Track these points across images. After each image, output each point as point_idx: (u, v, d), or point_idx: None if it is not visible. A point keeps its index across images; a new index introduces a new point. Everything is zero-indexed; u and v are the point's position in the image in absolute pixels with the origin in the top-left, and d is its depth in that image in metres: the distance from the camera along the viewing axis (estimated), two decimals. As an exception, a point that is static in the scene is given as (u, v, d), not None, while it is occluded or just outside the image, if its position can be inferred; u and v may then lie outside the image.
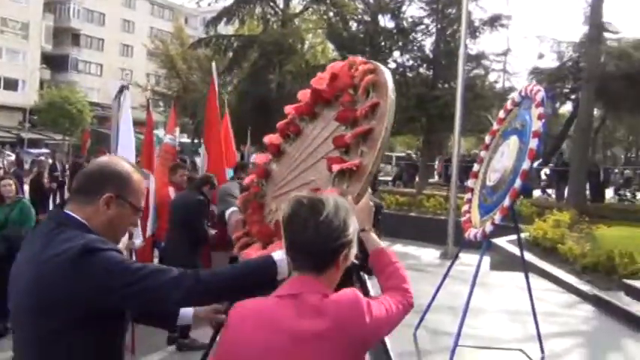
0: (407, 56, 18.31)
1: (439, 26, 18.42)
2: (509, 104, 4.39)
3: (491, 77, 22.05)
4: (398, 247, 10.73)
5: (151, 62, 40.56)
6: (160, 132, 12.26)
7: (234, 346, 1.63)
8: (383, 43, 17.71)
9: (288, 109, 2.69)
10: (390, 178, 24.66)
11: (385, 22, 18.36)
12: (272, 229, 2.33)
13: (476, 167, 4.71)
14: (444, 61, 18.10)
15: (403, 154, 27.91)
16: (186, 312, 2.16)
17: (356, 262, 1.80)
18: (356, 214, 1.76)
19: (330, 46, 24.78)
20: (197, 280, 1.74)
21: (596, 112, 21.36)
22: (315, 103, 2.57)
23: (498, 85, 22.24)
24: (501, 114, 4.49)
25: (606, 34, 17.68)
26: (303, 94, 2.64)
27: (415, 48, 18.39)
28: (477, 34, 18.64)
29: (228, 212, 2.75)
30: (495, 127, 4.51)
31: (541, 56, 22.62)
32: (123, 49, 53.38)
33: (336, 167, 2.11)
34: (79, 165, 15.42)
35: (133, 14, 54.24)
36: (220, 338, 1.72)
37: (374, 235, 1.92)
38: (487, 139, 4.64)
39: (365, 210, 1.96)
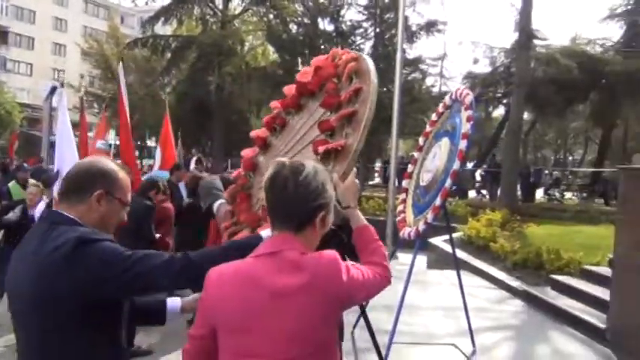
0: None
1: (377, 30, 18.74)
2: (440, 107, 4.54)
3: (429, 81, 22.68)
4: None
5: (85, 62, 39.21)
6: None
7: (213, 307, 1.66)
8: (323, 46, 17.83)
9: (275, 104, 2.75)
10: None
11: (325, 25, 18.53)
12: (259, 215, 2.39)
13: (410, 168, 4.83)
14: (382, 65, 18.42)
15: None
16: (174, 305, 2.20)
17: (333, 227, 1.84)
18: (342, 192, 1.84)
19: (271, 48, 24.74)
20: (188, 261, 1.80)
21: (526, 115, 22.27)
22: (300, 96, 2.63)
23: (435, 89, 22.88)
24: (434, 116, 4.64)
25: (535, 41, 18.49)
26: (289, 89, 2.70)
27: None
28: (414, 38, 19.09)
29: (216, 205, 2.81)
30: (428, 129, 4.66)
31: (476, 61, 23.41)
32: (55, 49, 51.37)
33: (321, 148, 2.17)
34: (6, 165, 14.74)
35: (66, 12, 52.30)
36: (199, 302, 1.74)
37: (358, 212, 1.98)
38: (420, 140, 4.77)
39: (351, 188, 2.01)
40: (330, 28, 18.47)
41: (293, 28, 20.93)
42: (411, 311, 5.32)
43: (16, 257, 1.87)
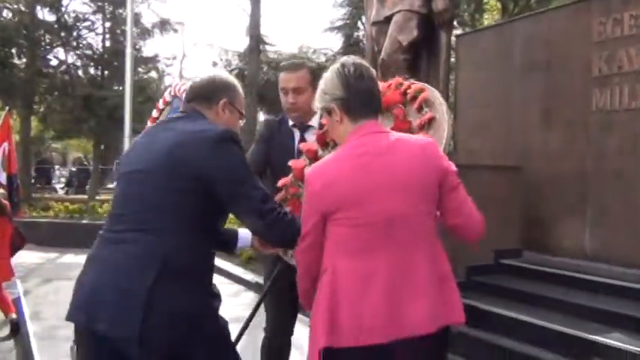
0: (72, 54, 17.08)
1: (107, 25, 17.68)
2: (161, 103, 4.44)
3: (168, 81, 22.26)
4: (69, 258, 9.94)
5: None
6: None
7: (320, 195, 1.80)
8: (43, 37, 16.09)
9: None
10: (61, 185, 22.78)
11: (45, 15, 16.72)
12: None
13: (132, 167, 4.63)
14: (115, 62, 17.43)
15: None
16: (246, 235, 2.36)
17: None
18: None
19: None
20: (286, 213, 1.97)
21: (262, 116, 23.47)
22: None
23: (175, 89, 22.50)
24: (154, 113, 4.52)
25: (267, 47, 19.54)
26: None
27: (82, 46, 17.25)
28: (148, 36, 18.53)
29: None
30: (149, 125, 4.51)
31: (214, 64, 23.82)
32: None
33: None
34: None
35: None
36: (304, 204, 1.90)
37: None
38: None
39: None
40: (51, 18, 16.77)
41: (7, 15, 18.45)
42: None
43: (149, 130, 2.09)
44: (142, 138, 2.04)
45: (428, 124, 2.29)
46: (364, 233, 1.75)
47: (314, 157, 2.69)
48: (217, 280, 7.61)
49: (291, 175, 2.72)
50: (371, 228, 1.75)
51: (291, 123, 3.11)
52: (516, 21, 7.71)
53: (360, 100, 1.88)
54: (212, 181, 1.83)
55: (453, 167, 1.88)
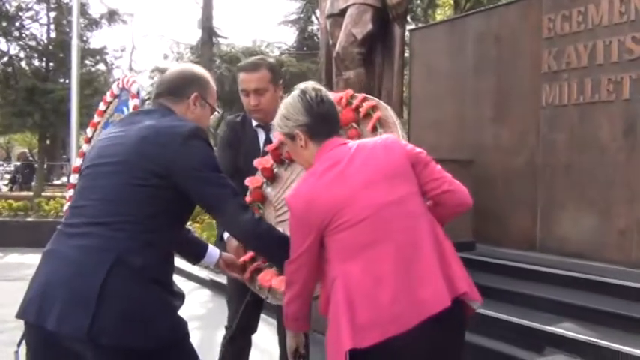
0: (15, 45, 16.38)
1: (51, 15, 17.01)
2: (108, 96, 4.28)
3: (117, 73, 21.63)
4: (14, 257, 9.58)
5: None
6: None
7: (307, 215, 1.83)
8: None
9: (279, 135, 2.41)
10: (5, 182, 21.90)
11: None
12: None
13: (79, 162, 4.44)
14: (61, 54, 16.79)
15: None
16: (214, 253, 2.34)
17: None
18: None
19: None
20: (259, 221, 2.01)
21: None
22: None
23: (124, 82, 21.89)
24: (101, 106, 4.34)
25: (220, 40, 19.28)
26: None
27: (25, 36, 16.55)
28: (95, 27, 17.94)
29: (227, 236, 2.51)
30: (96, 119, 4.34)
31: (166, 56, 23.41)
32: None
33: None
34: None
35: None
36: (290, 228, 1.90)
37: None
38: (89, 132, 4.43)
39: None
40: (-8, 7, 15.99)
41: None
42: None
43: (120, 123, 2.01)
44: (107, 132, 1.99)
45: None
46: (360, 231, 1.80)
47: (270, 176, 2.60)
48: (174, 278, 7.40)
49: (248, 194, 2.60)
50: (365, 224, 1.79)
51: (255, 123, 3.00)
52: (468, 16, 7.82)
53: (322, 123, 1.96)
54: (181, 178, 1.81)
55: (419, 150, 1.96)
